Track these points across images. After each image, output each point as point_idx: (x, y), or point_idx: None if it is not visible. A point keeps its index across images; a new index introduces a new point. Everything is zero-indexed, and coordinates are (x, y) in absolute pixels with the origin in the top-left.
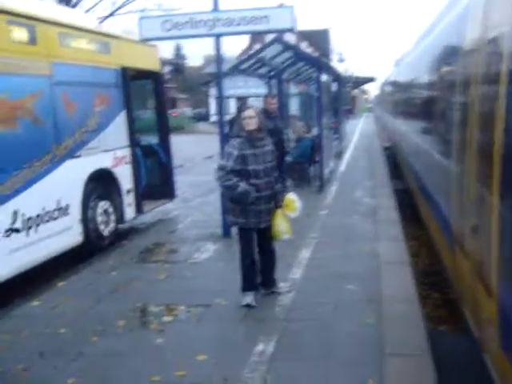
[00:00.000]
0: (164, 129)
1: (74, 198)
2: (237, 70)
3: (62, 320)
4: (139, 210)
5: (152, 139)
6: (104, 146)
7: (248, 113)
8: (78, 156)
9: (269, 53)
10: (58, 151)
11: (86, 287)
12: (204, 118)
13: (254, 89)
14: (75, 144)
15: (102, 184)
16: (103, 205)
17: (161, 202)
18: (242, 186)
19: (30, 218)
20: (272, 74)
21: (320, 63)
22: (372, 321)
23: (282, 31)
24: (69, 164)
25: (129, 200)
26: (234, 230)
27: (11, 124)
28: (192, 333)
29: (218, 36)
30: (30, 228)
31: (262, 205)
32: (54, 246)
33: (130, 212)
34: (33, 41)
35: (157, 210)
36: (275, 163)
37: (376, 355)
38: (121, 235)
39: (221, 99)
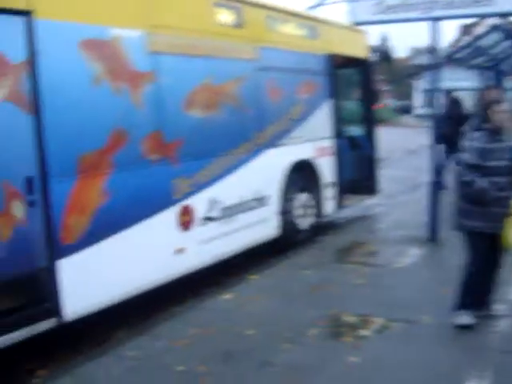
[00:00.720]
0: (370, 121)
1: (273, 189)
2: (451, 59)
3: (250, 319)
4: (339, 204)
5: (356, 131)
6: (307, 135)
7: (503, 107)
8: (280, 145)
9: (487, 41)
10: (259, 139)
11: (278, 284)
12: (407, 110)
13: (462, 81)
14: (278, 133)
15: (302, 176)
16: (302, 197)
17: (362, 198)
18: (479, 182)
19: (227, 208)
20: (489, 64)
21: None
22: None
23: (506, 15)
24: (270, 153)
25: (329, 194)
26: (443, 235)
27: (213, 109)
28: (391, 354)
29: (434, 20)
30: (226, 217)
31: (501, 207)
32: (250, 238)
33: (329, 206)
34: (239, 24)
35: (357, 205)
36: None
37: None
38: (318, 230)
39: (435, 90)
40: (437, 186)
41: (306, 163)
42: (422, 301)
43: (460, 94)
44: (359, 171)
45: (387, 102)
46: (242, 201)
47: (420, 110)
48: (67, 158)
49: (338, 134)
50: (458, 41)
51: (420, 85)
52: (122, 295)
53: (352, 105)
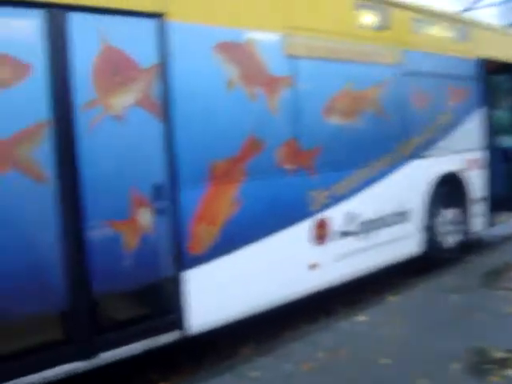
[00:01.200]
0: None
1: (416, 204)
2: None
3: (386, 346)
4: (490, 221)
5: (510, 142)
6: (455, 146)
7: None
8: (425, 157)
9: None
10: (402, 150)
11: (419, 308)
12: None
13: None
14: (423, 143)
15: (449, 189)
16: (448, 213)
17: None
18: None
19: (365, 222)
20: None
21: None
22: None
23: None
24: (414, 165)
25: (478, 210)
26: None
27: (354, 118)
28: None
29: None
30: (364, 232)
31: None
32: (389, 255)
33: (478, 223)
34: (383, 26)
35: (509, 223)
36: None
37: None
38: (465, 248)
39: None
40: None
41: (453, 176)
42: None
43: None
44: (511, 185)
45: None
46: (382, 215)
47: None
48: (198, 164)
49: (490, 146)
50: None
51: None
52: (250, 310)
53: (505, 114)
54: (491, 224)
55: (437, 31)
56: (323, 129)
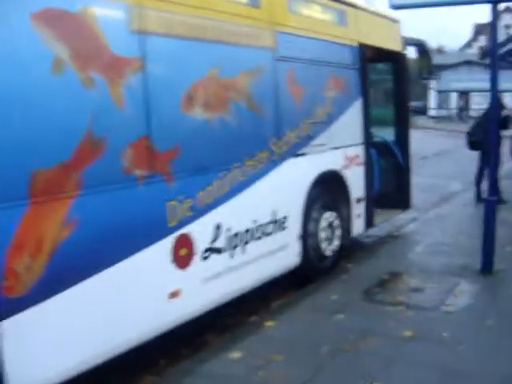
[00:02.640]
0: (404, 124)
1: (293, 208)
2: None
3: None
4: (369, 222)
5: (387, 135)
6: (334, 142)
7: None
8: (302, 154)
9: None
10: (277, 147)
11: (301, 337)
12: (423, 112)
13: (478, 82)
14: (300, 139)
15: (328, 190)
16: (328, 217)
17: (394, 213)
18: None
19: (236, 235)
20: None
21: None
22: None
23: None
24: (290, 164)
25: (358, 210)
26: (501, 265)
27: (220, 110)
28: None
29: (494, 2)
30: (235, 247)
31: None
32: (266, 270)
33: (358, 225)
34: (254, 2)
35: (387, 222)
36: None
37: None
38: (346, 254)
39: (495, 80)
40: (494, 203)
41: (332, 175)
42: (500, 369)
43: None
44: (390, 182)
45: None
46: (256, 225)
47: (434, 112)
48: (13, 175)
49: (368, 140)
50: (473, 39)
51: (435, 85)
52: (96, 359)
53: (382, 105)
54: (371, 225)
55: (315, 13)
56: (183, 124)
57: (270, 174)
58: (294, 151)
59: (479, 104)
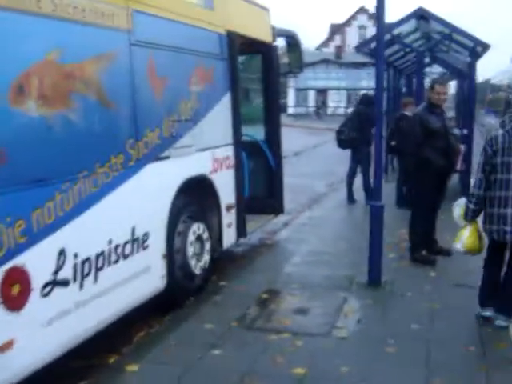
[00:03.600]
0: (274, 121)
1: (156, 222)
2: (363, 49)
3: None
4: (241, 232)
5: (256, 134)
6: (201, 142)
7: None
8: (165, 158)
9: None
10: (135, 150)
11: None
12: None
13: (335, 81)
14: (162, 139)
15: (195, 198)
16: (196, 229)
17: (266, 219)
18: None
19: (87, 261)
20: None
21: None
22: None
23: None
24: (151, 170)
25: (229, 219)
26: (388, 275)
27: (59, 104)
28: None
29: None
30: (86, 276)
31: None
32: (124, 301)
33: (229, 236)
34: None
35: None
36: None
37: None
38: (215, 268)
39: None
40: (381, 209)
41: (200, 181)
42: None
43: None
44: (260, 185)
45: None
46: (111, 246)
47: (292, 109)
48: None
49: (239, 140)
50: (329, 39)
51: (293, 83)
52: None
53: (251, 101)
54: (242, 234)
55: None
56: (10, 123)
57: (126, 183)
58: (156, 154)
59: (336, 102)
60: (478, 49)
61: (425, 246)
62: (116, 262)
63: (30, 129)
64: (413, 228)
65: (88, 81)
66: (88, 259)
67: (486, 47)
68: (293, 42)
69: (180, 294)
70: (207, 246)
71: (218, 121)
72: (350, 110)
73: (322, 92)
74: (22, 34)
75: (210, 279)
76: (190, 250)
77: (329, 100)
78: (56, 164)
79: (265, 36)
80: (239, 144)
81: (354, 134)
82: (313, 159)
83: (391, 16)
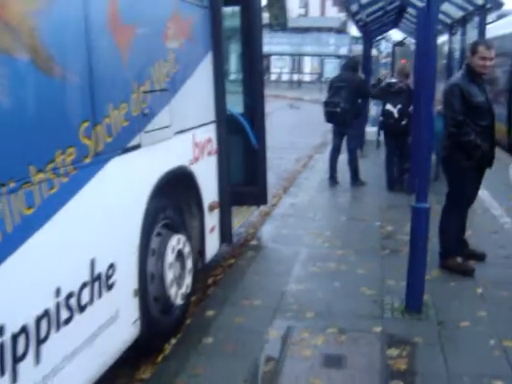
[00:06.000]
0: (256, 89)
1: (124, 246)
2: None
3: None
4: (226, 235)
5: (235, 108)
6: (180, 121)
7: None
8: (135, 147)
9: None
10: (92, 140)
11: None
12: None
13: (278, 46)
14: (130, 120)
15: (171, 200)
16: (176, 244)
17: (248, 212)
18: None
19: (19, 334)
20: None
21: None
22: None
23: None
24: (115, 169)
25: (212, 222)
26: (432, 300)
27: None
28: None
29: None
30: (22, 357)
31: None
32: (90, 366)
33: (212, 244)
34: None
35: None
36: None
37: None
38: (194, 290)
39: None
40: (426, 212)
41: (179, 175)
42: None
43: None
44: (239, 170)
45: None
46: (61, 299)
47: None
48: None
49: (224, 116)
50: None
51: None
52: None
53: (227, 64)
54: (229, 239)
55: None
56: None
57: (80, 194)
58: (122, 144)
59: (280, 68)
60: None
61: (460, 250)
62: (68, 320)
63: None
64: (446, 228)
65: (18, 32)
66: (24, 329)
67: None
68: None
69: (158, 338)
70: (189, 263)
71: (199, 91)
72: (330, 78)
73: (264, 57)
74: None
75: (191, 303)
76: (169, 275)
77: (271, 66)
78: None
79: None
80: (223, 122)
81: (348, 106)
82: (267, 130)
83: None
